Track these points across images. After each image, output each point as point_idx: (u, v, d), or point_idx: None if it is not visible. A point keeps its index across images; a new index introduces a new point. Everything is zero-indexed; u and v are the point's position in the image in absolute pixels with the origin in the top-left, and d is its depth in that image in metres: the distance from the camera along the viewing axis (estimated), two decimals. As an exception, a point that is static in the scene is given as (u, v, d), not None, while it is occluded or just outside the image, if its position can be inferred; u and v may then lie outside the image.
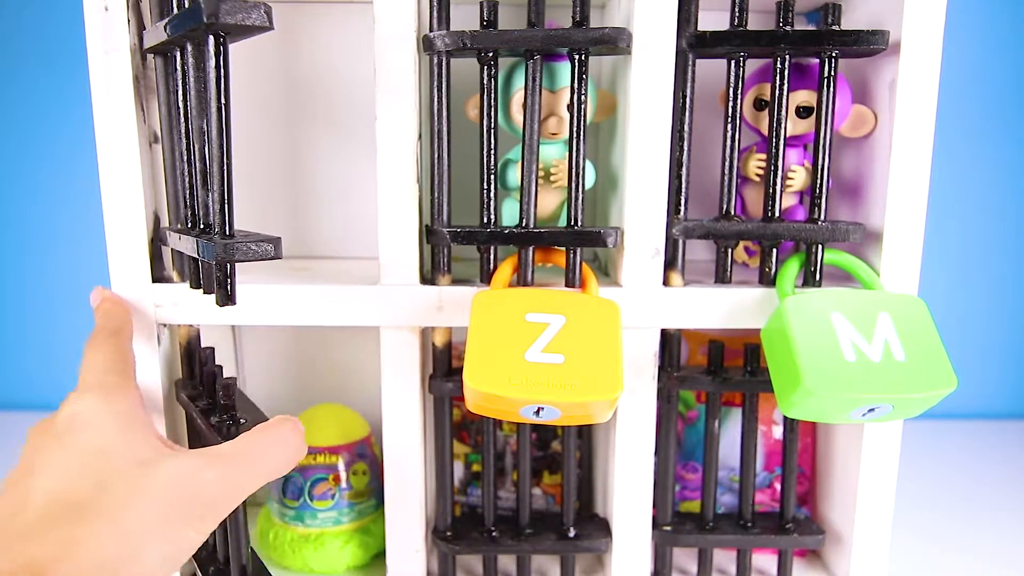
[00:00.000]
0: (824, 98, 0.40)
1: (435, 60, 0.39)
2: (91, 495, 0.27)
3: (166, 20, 0.34)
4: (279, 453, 0.31)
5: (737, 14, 0.39)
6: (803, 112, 0.42)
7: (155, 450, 0.29)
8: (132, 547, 0.26)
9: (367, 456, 0.49)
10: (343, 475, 0.47)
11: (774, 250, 0.41)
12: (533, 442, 0.53)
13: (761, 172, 0.43)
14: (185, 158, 0.36)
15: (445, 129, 0.40)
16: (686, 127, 0.40)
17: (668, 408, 0.44)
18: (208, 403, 0.38)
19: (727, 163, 0.41)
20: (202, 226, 0.35)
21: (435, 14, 0.39)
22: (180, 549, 0.27)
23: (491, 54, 0.39)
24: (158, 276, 0.41)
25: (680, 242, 0.41)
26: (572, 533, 0.44)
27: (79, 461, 0.28)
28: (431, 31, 0.39)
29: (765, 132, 0.41)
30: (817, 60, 0.40)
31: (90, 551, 0.25)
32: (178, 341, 0.42)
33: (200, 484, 0.28)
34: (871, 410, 0.35)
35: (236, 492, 0.29)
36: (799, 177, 0.43)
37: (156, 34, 0.36)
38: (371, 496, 0.49)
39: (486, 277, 0.41)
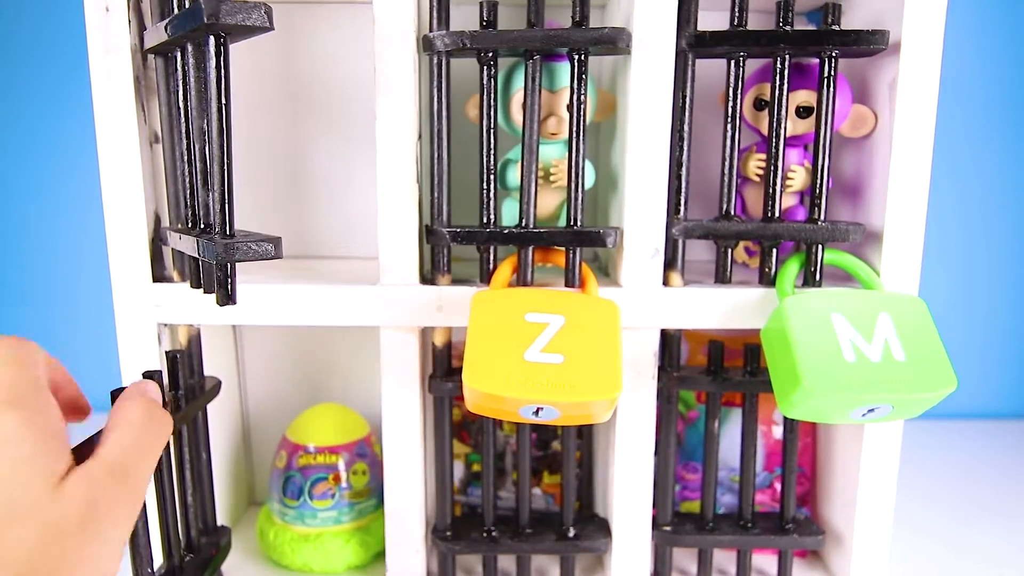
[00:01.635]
0: (824, 98, 0.40)
1: (435, 60, 0.39)
2: (13, 503, 0.24)
3: (167, 20, 0.34)
4: (154, 444, 0.30)
5: (737, 14, 0.39)
6: (803, 112, 0.42)
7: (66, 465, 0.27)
8: (59, 548, 0.25)
9: (367, 456, 0.49)
10: (343, 475, 0.47)
11: (774, 250, 0.41)
12: (533, 442, 0.53)
13: (761, 172, 0.43)
14: (186, 158, 0.36)
15: (445, 129, 0.40)
16: (686, 127, 0.40)
17: (668, 408, 0.44)
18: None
19: (727, 163, 0.41)
20: (202, 226, 0.35)
21: (435, 14, 0.39)
22: (98, 561, 0.26)
23: (491, 54, 0.39)
24: (159, 276, 0.41)
25: (680, 242, 0.41)
26: (572, 533, 0.44)
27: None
28: (431, 31, 0.39)
29: (765, 132, 0.41)
30: (817, 60, 0.40)
31: (17, 554, 0.23)
32: (179, 341, 0.42)
33: (107, 499, 0.27)
34: (871, 410, 0.35)
35: (134, 499, 0.28)
36: (799, 177, 0.43)
37: (157, 34, 0.36)
38: (371, 496, 0.49)
39: (486, 277, 0.41)
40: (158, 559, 0.37)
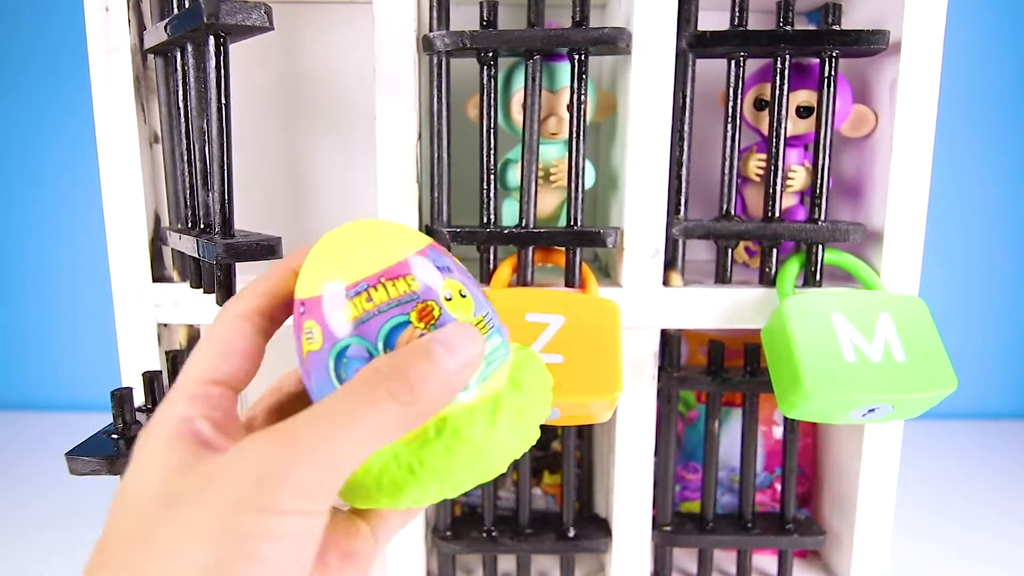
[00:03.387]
0: (824, 98, 0.40)
1: (435, 60, 0.39)
2: None
3: (166, 20, 0.34)
4: None
5: (737, 14, 0.39)
6: (803, 112, 0.42)
7: None
8: None
9: (452, 269, 0.22)
10: (437, 302, 0.21)
11: (774, 250, 0.41)
12: (533, 442, 0.53)
13: (761, 172, 0.43)
14: (186, 158, 0.36)
15: (445, 129, 0.40)
16: (686, 127, 0.40)
17: (668, 408, 0.44)
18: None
19: (727, 163, 0.41)
20: (202, 226, 0.35)
21: (435, 14, 0.39)
22: None
23: (491, 54, 0.39)
24: (158, 276, 0.41)
25: (680, 242, 0.41)
26: (572, 533, 0.44)
27: None
28: (431, 31, 0.39)
29: (765, 132, 0.41)
30: (817, 60, 0.40)
31: None
32: (179, 341, 0.42)
33: None
34: (871, 410, 0.35)
35: None
36: (799, 177, 0.43)
37: (156, 34, 0.36)
38: (491, 332, 0.22)
39: (486, 277, 0.41)
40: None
